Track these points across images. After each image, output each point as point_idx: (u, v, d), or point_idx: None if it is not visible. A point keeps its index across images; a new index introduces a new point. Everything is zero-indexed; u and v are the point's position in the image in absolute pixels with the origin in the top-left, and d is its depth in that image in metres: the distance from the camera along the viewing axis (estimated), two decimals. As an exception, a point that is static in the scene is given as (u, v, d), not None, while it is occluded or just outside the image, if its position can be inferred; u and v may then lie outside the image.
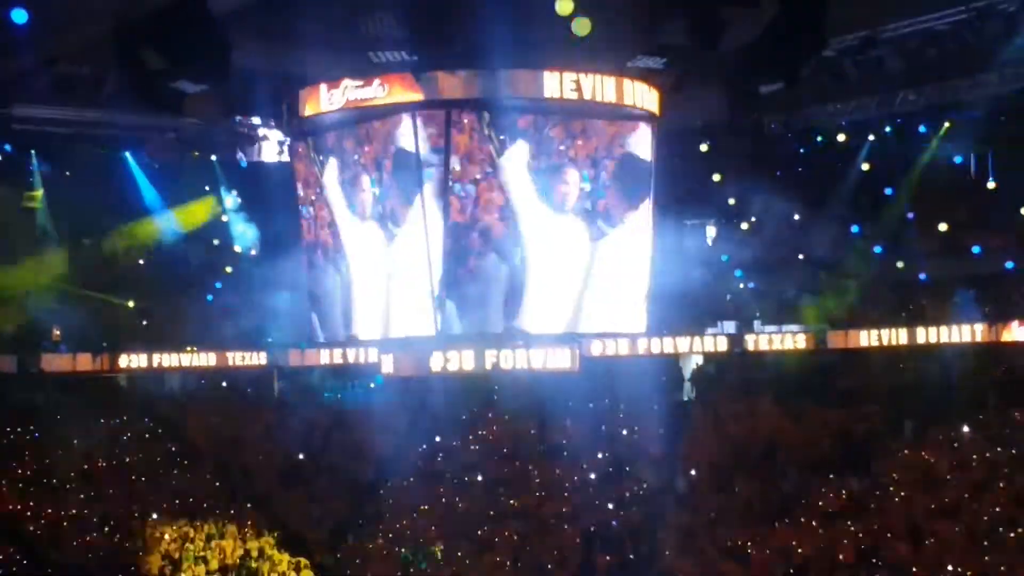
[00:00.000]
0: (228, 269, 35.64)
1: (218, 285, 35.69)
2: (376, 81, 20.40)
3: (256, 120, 31.01)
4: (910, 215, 33.58)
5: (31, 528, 30.85)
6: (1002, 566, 27.53)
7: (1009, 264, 32.16)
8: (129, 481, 33.06)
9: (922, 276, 33.91)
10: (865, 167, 32.99)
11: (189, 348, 32.70)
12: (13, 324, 31.95)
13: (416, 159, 20.24)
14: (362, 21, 19.99)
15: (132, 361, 32.23)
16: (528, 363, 21.51)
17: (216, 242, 35.54)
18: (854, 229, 34.33)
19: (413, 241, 20.69)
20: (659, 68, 21.80)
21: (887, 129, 31.87)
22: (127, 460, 33.72)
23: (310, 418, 35.62)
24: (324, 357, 32.68)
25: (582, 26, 19.07)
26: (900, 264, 33.80)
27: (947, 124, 31.03)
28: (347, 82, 20.56)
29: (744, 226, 35.44)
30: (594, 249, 21.35)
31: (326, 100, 20.85)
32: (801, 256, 34.98)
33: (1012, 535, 28.11)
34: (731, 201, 35.09)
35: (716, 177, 33.72)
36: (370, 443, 34.75)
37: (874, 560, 28.77)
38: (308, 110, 21.21)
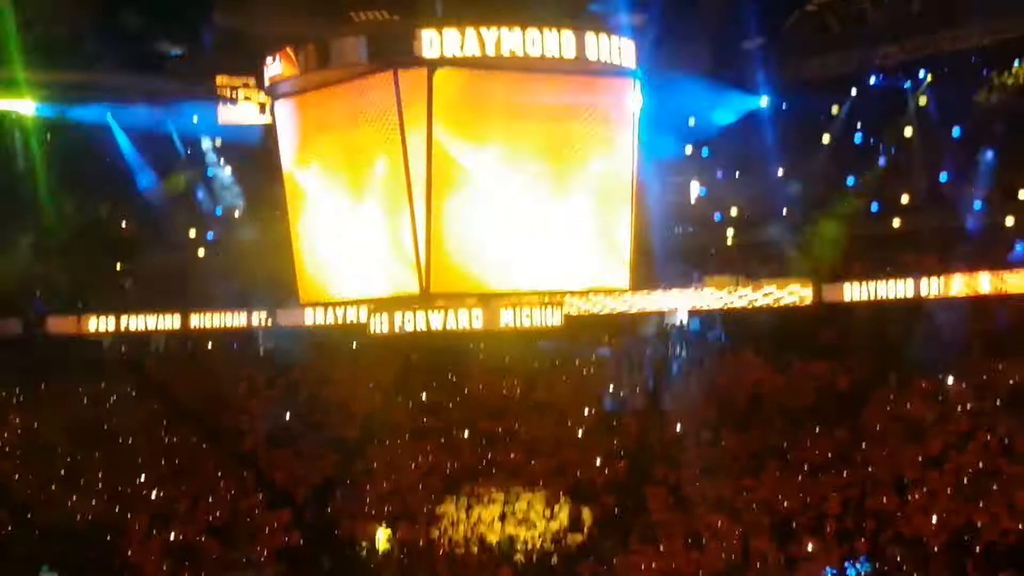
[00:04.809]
0: (202, 234, 35.32)
1: (201, 253, 35.51)
2: (355, 39, 20.25)
3: (236, 81, 30.78)
4: (895, 168, 33.58)
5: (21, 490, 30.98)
6: (987, 515, 27.71)
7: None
8: (116, 442, 33.10)
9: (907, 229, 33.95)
10: (847, 120, 32.95)
11: (165, 310, 32.76)
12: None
13: (399, 118, 20.12)
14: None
15: (100, 324, 32.29)
16: (517, 321, 21.42)
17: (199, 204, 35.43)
18: (838, 183, 34.32)
19: (395, 200, 20.59)
20: (642, 23, 21.70)
21: (869, 82, 31.82)
22: (113, 421, 33.73)
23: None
24: (308, 317, 32.63)
25: None
26: (884, 217, 33.80)
27: (929, 77, 31.01)
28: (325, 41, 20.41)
29: (729, 181, 35.38)
30: (574, 204, 21.28)
31: (304, 60, 20.68)
32: (785, 210, 34.96)
33: (996, 485, 28.28)
34: (715, 156, 35.05)
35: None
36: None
37: (860, 511, 28.94)
38: (285, 70, 21.03)
